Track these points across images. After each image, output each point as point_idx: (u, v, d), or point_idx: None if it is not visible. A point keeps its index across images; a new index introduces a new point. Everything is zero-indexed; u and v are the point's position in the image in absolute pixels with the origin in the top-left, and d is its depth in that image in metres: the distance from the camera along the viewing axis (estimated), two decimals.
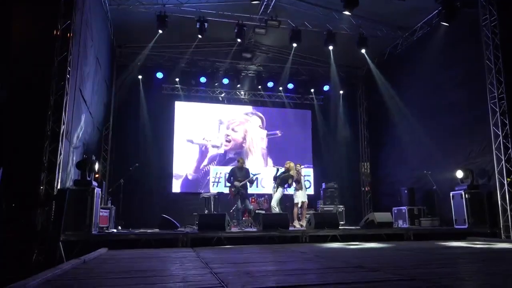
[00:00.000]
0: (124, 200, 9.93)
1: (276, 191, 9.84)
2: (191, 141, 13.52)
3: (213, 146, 13.71)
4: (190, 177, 13.18)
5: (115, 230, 8.71)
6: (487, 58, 8.85)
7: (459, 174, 9.00)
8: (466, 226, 8.41)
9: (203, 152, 13.53)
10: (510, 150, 8.35)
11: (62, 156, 6.60)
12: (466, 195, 8.54)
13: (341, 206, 12.04)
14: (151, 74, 12.99)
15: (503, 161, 8.35)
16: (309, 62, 13.76)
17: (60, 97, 6.65)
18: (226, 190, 10.62)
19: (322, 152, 14.21)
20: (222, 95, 14.02)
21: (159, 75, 13.00)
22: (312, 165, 14.16)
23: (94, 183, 7.01)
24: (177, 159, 13.18)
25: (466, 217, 8.44)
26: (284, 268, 4.09)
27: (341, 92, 14.39)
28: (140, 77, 12.82)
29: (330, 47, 11.36)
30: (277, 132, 14.26)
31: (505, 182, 8.29)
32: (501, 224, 8.23)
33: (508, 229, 8.09)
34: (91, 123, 9.54)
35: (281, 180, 9.77)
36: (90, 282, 3.32)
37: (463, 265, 4.15)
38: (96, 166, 7.40)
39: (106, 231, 8.11)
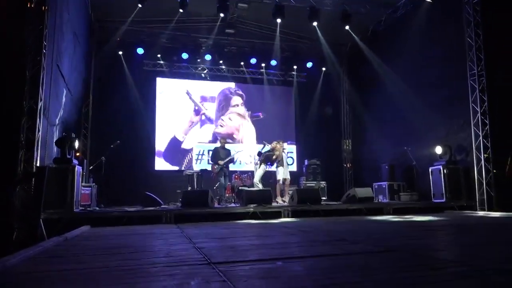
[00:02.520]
0: (106, 178, 9.83)
1: (259, 167, 9.90)
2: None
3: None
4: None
5: (97, 208, 8.66)
6: (468, 35, 8.92)
7: (438, 150, 9.20)
8: (443, 200, 8.66)
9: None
10: (488, 126, 8.54)
11: (40, 133, 6.45)
12: (445, 170, 8.75)
13: (323, 182, 12.20)
14: (131, 50, 12.67)
15: (481, 137, 8.55)
16: (292, 38, 13.63)
17: (36, 73, 6.44)
18: (210, 167, 10.62)
19: (305, 129, 14.26)
20: (205, 71, 13.83)
21: (140, 50, 12.70)
22: (295, 142, 14.24)
23: (75, 161, 6.90)
24: (159, 136, 13.06)
25: (444, 192, 8.68)
26: (267, 242, 4.14)
27: (324, 69, 14.37)
28: (120, 53, 12.50)
29: (314, 23, 11.24)
30: (260, 114, 14.22)
31: (482, 158, 8.52)
32: (477, 197, 8.50)
33: (484, 202, 8.37)
34: (70, 100, 9.31)
35: (265, 158, 9.82)
36: (72, 258, 3.31)
37: (440, 237, 4.28)
38: (76, 144, 7.28)
39: (88, 209, 8.05)
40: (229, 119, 13.92)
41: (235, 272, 2.40)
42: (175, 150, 13.16)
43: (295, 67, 14.24)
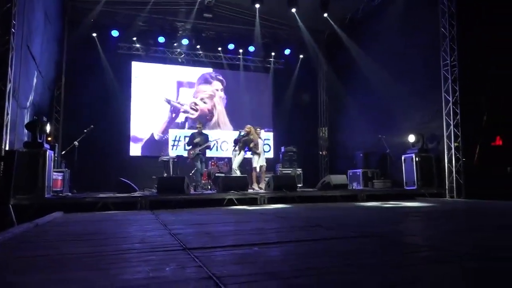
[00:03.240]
0: (79, 163, 9.60)
1: (239, 154, 9.84)
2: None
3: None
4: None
5: (70, 194, 8.47)
6: (442, 25, 9.08)
7: (411, 138, 9.41)
8: (415, 187, 8.89)
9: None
10: (459, 115, 8.78)
11: (9, 116, 6.22)
12: (417, 158, 8.97)
13: (300, 169, 12.32)
14: (106, 32, 12.31)
15: (452, 126, 8.79)
16: (271, 25, 13.53)
17: (5, 53, 6.18)
18: (186, 154, 10.53)
19: (282, 116, 14.30)
20: (182, 56, 13.60)
21: (115, 33, 12.36)
22: (272, 129, 14.27)
23: (46, 145, 6.70)
24: (135, 122, 12.83)
25: (415, 179, 8.92)
26: (244, 228, 4.16)
27: (301, 56, 14.38)
28: (94, 34, 12.11)
29: (293, 10, 11.20)
30: (243, 102, 14.13)
31: (453, 146, 8.76)
32: (447, 185, 8.77)
33: (453, 189, 8.65)
34: (42, 82, 9.00)
35: (243, 143, 9.78)
36: (43, 244, 3.22)
37: (412, 223, 4.40)
38: (48, 128, 7.06)
39: (61, 195, 7.87)
40: (202, 100, 13.75)
41: (211, 258, 2.40)
42: (153, 144, 12.98)
43: (273, 53, 14.20)
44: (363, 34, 12.12)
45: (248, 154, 10.26)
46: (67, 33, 11.67)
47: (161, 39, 12.86)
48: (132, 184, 8.38)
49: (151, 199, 7.07)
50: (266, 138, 13.34)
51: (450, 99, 8.87)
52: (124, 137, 12.63)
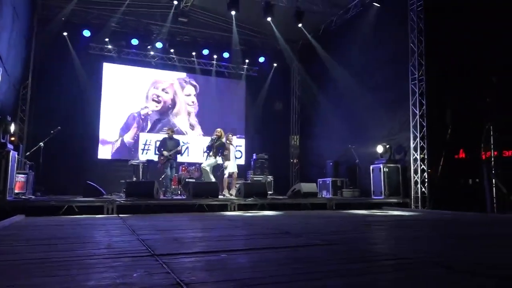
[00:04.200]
0: (44, 165, 9.30)
1: (217, 160, 9.59)
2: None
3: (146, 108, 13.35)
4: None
5: (33, 197, 8.18)
6: (411, 41, 9.41)
7: (379, 149, 9.66)
8: (382, 197, 9.12)
9: (135, 118, 13.09)
10: (425, 128, 9.09)
11: None
12: (384, 169, 9.21)
13: (271, 176, 12.39)
14: (77, 31, 12.04)
15: (418, 138, 9.09)
16: (246, 32, 13.62)
17: None
18: (156, 158, 10.39)
19: (255, 123, 14.37)
20: (155, 59, 13.45)
21: (86, 33, 12.10)
22: (244, 136, 14.30)
23: (10, 146, 6.46)
24: (104, 124, 12.55)
25: (383, 189, 9.14)
26: (213, 234, 4.14)
27: (275, 64, 14.53)
28: (65, 34, 11.80)
29: (269, 18, 11.33)
30: (217, 108, 14.11)
31: (418, 158, 9.06)
32: (412, 195, 9.04)
33: (418, 200, 8.92)
34: (7, 80, 8.67)
35: (216, 149, 9.59)
36: (2, 249, 3.09)
37: (377, 232, 4.51)
38: (12, 128, 6.80)
39: (23, 197, 7.58)
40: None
41: (180, 264, 2.39)
42: (123, 148, 12.75)
43: (247, 60, 14.27)
44: (336, 45, 12.38)
45: (220, 160, 10.19)
46: (36, 31, 11.32)
47: (135, 41, 12.70)
48: (100, 188, 8.18)
49: (119, 203, 6.92)
50: (238, 145, 13.35)
51: (417, 112, 9.17)
52: (93, 140, 12.32)
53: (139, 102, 13.24)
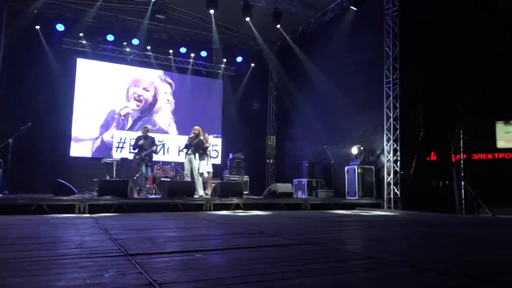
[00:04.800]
0: (13, 162, 8.99)
1: (195, 159, 9.44)
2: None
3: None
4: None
5: (1, 195, 7.92)
6: (386, 45, 9.62)
7: (354, 150, 9.84)
8: (356, 198, 9.28)
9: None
10: (398, 131, 9.31)
11: None
12: (358, 170, 9.38)
13: (247, 176, 12.41)
14: (50, 25, 11.72)
15: (391, 141, 9.30)
16: (224, 31, 13.58)
17: None
18: (131, 156, 10.23)
19: (232, 123, 14.34)
20: (131, 56, 13.24)
21: (60, 27, 11.80)
22: (220, 135, 14.26)
23: None
24: (79, 121, 12.27)
25: (357, 190, 9.30)
26: (188, 234, 4.12)
27: (253, 64, 14.55)
28: (37, 27, 11.46)
29: (247, 18, 11.35)
30: (195, 108, 14.02)
31: (391, 160, 9.26)
32: (385, 196, 9.24)
33: (390, 201, 9.13)
34: None
35: (195, 147, 9.43)
36: None
37: (350, 232, 4.60)
38: None
39: None
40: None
41: (153, 264, 2.37)
42: (97, 146, 12.50)
43: (224, 60, 14.23)
44: (313, 47, 12.51)
45: (198, 158, 10.05)
46: (6, 24, 10.95)
47: (110, 37, 12.48)
48: (71, 186, 7.99)
49: (91, 202, 6.79)
50: (214, 144, 13.30)
51: (391, 114, 9.38)
52: (65, 137, 12.02)
53: (118, 100, 13.02)
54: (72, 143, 12.15)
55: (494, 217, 6.76)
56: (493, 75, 10.51)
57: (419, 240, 3.81)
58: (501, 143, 12.65)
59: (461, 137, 10.92)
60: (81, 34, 12.13)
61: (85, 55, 12.56)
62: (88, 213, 6.53)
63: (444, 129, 11.10)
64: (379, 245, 3.42)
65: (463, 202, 9.32)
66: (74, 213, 6.52)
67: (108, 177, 9.85)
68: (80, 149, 12.23)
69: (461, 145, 10.93)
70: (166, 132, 13.60)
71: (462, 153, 10.89)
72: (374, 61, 10.03)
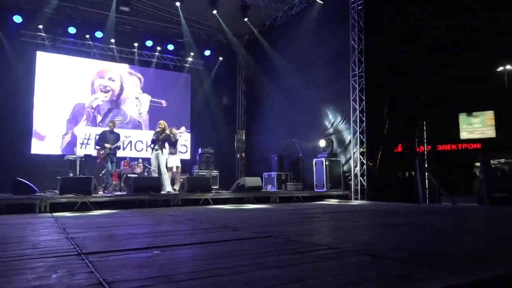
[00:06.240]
0: None
1: (162, 154, 9.23)
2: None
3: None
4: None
5: None
6: (352, 38, 9.72)
7: (322, 143, 9.93)
8: (324, 190, 9.38)
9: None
10: (364, 123, 9.45)
11: None
12: (326, 162, 9.48)
13: (216, 171, 12.31)
14: (6, 17, 11.16)
15: (358, 133, 9.43)
16: (192, 24, 13.34)
17: None
18: (95, 153, 9.92)
19: (201, 117, 14.17)
20: (94, 49, 12.81)
21: (17, 18, 11.25)
22: (189, 130, 14.08)
23: None
24: (39, 117, 11.80)
25: (325, 182, 9.41)
26: (151, 230, 4.04)
27: (221, 58, 14.41)
28: None
29: (214, 11, 11.21)
30: (162, 102, 13.73)
31: (358, 152, 9.41)
32: (352, 187, 9.39)
33: (357, 192, 9.28)
34: None
35: (162, 142, 9.23)
36: None
37: (315, 223, 4.62)
38: None
39: None
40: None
41: (107, 263, 2.29)
42: (60, 142, 12.08)
43: (192, 53, 14.01)
44: (281, 40, 12.49)
45: (166, 153, 9.86)
46: None
47: (72, 30, 12.02)
48: (32, 185, 7.67)
49: (52, 201, 6.54)
50: (183, 139, 13.13)
51: (357, 107, 9.51)
52: (26, 133, 11.54)
53: (83, 93, 12.60)
54: (35, 140, 11.68)
55: (455, 206, 6.98)
56: (455, 69, 10.86)
57: (381, 229, 3.87)
58: (464, 134, 13.14)
59: (425, 129, 11.25)
60: (40, 26, 11.61)
61: (45, 48, 12.06)
62: (50, 212, 6.30)
63: (408, 121, 11.39)
64: (341, 236, 3.45)
65: (427, 192, 9.61)
66: (34, 212, 6.27)
67: (71, 174, 9.53)
68: (45, 146, 11.79)
69: (425, 137, 11.27)
70: (139, 125, 13.30)
71: (425, 145, 11.23)
72: (340, 54, 10.12)
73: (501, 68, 12.34)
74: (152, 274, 1.96)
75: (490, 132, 12.68)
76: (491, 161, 11.43)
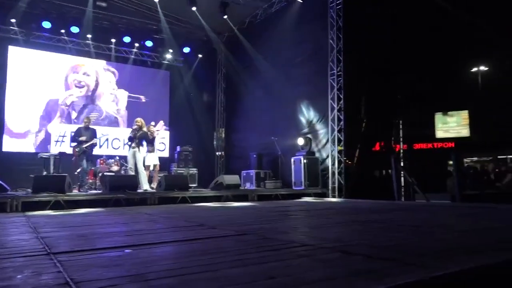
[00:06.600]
0: None
1: (139, 152, 9.08)
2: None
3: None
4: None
5: None
6: (330, 37, 9.79)
7: (300, 141, 9.99)
8: (302, 188, 9.44)
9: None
10: (342, 121, 9.55)
11: None
12: (304, 160, 9.54)
13: (194, 169, 12.21)
14: None
15: (336, 131, 9.53)
16: (171, 21, 13.15)
17: None
18: (70, 150, 9.70)
19: (180, 115, 14.06)
20: (70, 45, 12.52)
21: None
22: (168, 128, 13.95)
23: None
24: (11, 113, 11.46)
25: (303, 180, 9.47)
26: (125, 229, 3.98)
27: (200, 56, 14.31)
28: None
29: (194, 8, 11.12)
30: (141, 97, 13.53)
31: (336, 150, 9.51)
32: (330, 185, 9.48)
33: (335, 189, 9.38)
34: None
35: (139, 140, 9.07)
36: None
37: (291, 221, 4.65)
38: None
39: None
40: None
41: (77, 262, 2.25)
42: (35, 139, 11.77)
43: (171, 50, 13.86)
44: (261, 39, 12.47)
45: (143, 151, 9.70)
46: None
47: (47, 24, 11.71)
48: (3, 183, 7.45)
49: (24, 199, 6.38)
50: (161, 137, 13.02)
51: (335, 106, 9.59)
52: None
53: (57, 89, 12.31)
54: (7, 137, 11.35)
55: (428, 203, 7.15)
56: (432, 69, 11.10)
57: (355, 226, 3.92)
58: (439, 133, 13.46)
59: (401, 127, 11.45)
60: (13, 20, 11.27)
61: (18, 43, 11.72)
62: (21, 211, 6.14)
63: (385, 120, 11.58)
64: (316, 233, 3.48)
65: (402, 190, 9.80)
66: (5, 212, 6.10)
67: (45, 172, 9.30)
68: (18, 143, 11.47)
69: (401, 136, 11.47)
70: (115, 121, 13.08)
71: (401, 143, 11.43)
72: (319, 53, 10.18)
73: (475, 69, 12.67)
74: (123, 273, 1.93)
75: (465, 131, 13.03)
76: (464, 160, 11.75)
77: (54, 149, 11.27)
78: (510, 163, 11.63)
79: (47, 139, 11.83)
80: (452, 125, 13.34)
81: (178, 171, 11.82)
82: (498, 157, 11.84)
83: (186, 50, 14.16)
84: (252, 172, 11.12)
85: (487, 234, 3.24)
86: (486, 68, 12.46)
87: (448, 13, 9.82)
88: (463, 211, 5.54)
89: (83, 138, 8.93)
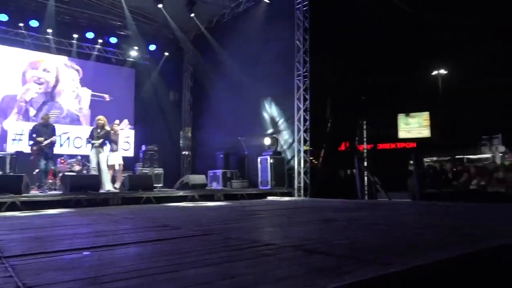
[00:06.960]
0: None
1: (102, 151, 8.80)
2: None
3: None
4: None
5: None
6: (297, 38, 9.89)
7: (267, 141, 10.05)
8: (268, 187, 9.49)
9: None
10: (308, 122, 9.67)
11: None
12: (271, 160, 9.60)
13: (160, 168, 12.00)
14: None
15: (302, 131, 9.64)
16: (136, 17, 12.87)
17: None
18: (28, 149, 9.29)
19: (145, 113, 13.78)
20: (29, 39, 12.00)
21: None
22: (133, 127, 13.64)
23: None
24: None
25: (269, 179, 9.52)
26: (84, 231, 3.85)
27: (166, 54, 14.08)
28: None
29: (160, 5, 10.94)
30: (105, 96, 13.14)
31: (302, 150, 9.62)
32: (296, 185, 9.58)
33: (301, 189, 9.49)
34: None
35: (103, 139, 8.78)
36: None
37: (256, 220, 4.66)
38: None
39: None
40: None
41: (30, 266, 2.14)
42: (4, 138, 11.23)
43: (136, 48, 13.57)
44: (228, 38, 12.43)
45: (106, 151, 9.43)
46: None
47: (3, 17, 11.18)
48: None
49: None
50: (126, 136, 12.72)
51: (301, 106, 9.70)
52: None
53: (13, 85, 11.76)
54: None
55: (390, 201, 7.36)
56: (395, 72, 11.44)
57: (318, 225, 3.98)
58: (402, 134, 13.90)
59: (365, 128, 11.73)
60: None
61: None
62: None
63: (350, 121, 11.84)
64: (279, 232, 3.51)
65: (365, 189, 10.05)
66: None
67: (0, 172, 8.87)
68: None
69: (365, 136, 11.75)
70: (77, 119, 12.65)
71: (365, 143, 11.71)
72: (286, 53, 10.25)
73: (435, 72, 13.18)
74: (78, 276, 1.86)
75: (426, 132, 13.53)
76: (425, 160, 12.19)
77: (11, 148, 10.78)
78: (466, 163, 12.17)
79: (3, 137, 11.26)
80: (414, 126, 13.82)
81: (143, 171, 11.59)
82: (456, 157, 12.36)
83: (152, 47, 13.90)
84: (219, 171, 11.07)
85: (443, 231, 3.37)
86: (446, 72, 12.99)
87: (410, 15, 10.15)
88: (421, 209, 5.74)
89: (41, 139, 8.54)
